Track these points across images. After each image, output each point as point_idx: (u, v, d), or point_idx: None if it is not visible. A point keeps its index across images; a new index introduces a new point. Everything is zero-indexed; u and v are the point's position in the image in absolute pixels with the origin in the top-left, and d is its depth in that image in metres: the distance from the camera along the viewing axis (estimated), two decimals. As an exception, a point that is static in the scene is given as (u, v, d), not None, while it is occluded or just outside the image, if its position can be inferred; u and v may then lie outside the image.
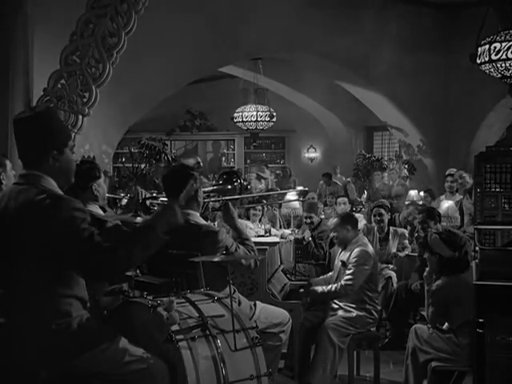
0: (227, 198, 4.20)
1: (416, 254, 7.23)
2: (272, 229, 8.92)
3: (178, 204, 2.92)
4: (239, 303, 3.95)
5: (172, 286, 3.17)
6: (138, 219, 3.51)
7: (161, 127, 16.09)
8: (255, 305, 4.18)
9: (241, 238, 4.09)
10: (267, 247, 5.31)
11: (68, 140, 2.97)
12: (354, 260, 5.47)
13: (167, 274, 3.42)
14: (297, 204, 9.05)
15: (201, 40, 10.08)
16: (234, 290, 4.01)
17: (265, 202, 8.66)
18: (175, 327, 2.94)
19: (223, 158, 18.36)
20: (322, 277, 6.04)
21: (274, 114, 14.04)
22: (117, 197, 4.77)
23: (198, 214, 3.90)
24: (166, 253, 3.51)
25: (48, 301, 2.76)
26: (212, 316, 3.07)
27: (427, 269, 4.84)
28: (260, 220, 8.74)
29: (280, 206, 9.76)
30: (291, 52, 11.92)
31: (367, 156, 14.49)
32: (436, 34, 12.17)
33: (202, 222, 3.90)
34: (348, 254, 5.56)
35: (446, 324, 4.81)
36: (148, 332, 3.00)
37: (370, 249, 5.65)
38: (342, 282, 5.43)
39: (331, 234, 5.81)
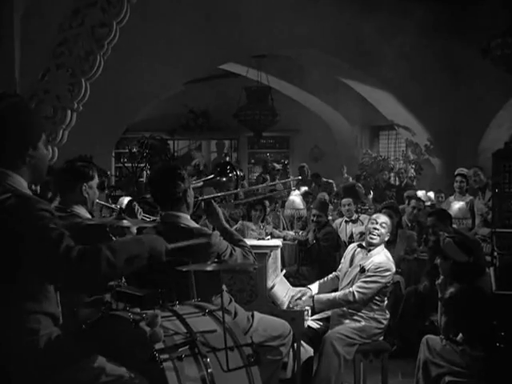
0: (222, 193, 3.86)
1: (426, 257, 6.87)
2: (275, 230, 8.66)
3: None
4: (235, 315, 3.60)
5: (157, 298, 2.82)
6: (125, 222, 3.16)
7: (163, 126, 15.98)
8: (253, 316, 3.82)
9: (232, 240, 3.71)
10: (268, 251, 4.95)
11: (42, 133, 2.65)
12: (375, 269, 5.08)
13: (155, 283, 3.09)
14: (301, 205, 8.78)
15: (201, 36, 9.87)
16: (231, 300, 3.67)
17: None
18: (159, 345, 2.58)
19: (227, 158, 18.05)
20: (320, 281, 5.64)
21: (278, 112, 13.76)
22: (108, 205, 4.40)
23: (189, 216, 3.55)
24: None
25: (13, 317, 2.44)
26: (202, 332, 2.72)
27: (441, 276, 4.48)
28: (262, 221, 8.45)
29: (283, 206, 9.48)
30: (295, 49, 11.70)
31: (373, 155, 14.28)
32: (445, 32, 11.87)
33: (193, 224, 3.54)
34: (370, 261, 5.17)
35: (461, 335, 4.45)
36: (129, 350, 2.65)
37: (391, 259, 5.27)
38: (355, 289, 5.06)
39: (374, 226, 5.20)
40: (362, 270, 5.14)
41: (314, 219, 7.81)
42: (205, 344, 2.68)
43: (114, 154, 14.90)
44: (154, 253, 2.61)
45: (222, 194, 4.07)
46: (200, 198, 3.69)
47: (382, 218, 5.27)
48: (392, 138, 16.18)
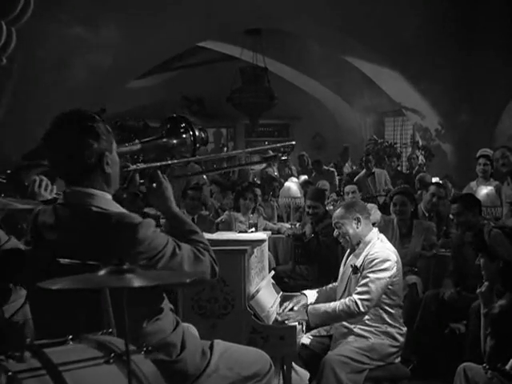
0: (172, 161, 2.62)
1: (447, 254, 5.76)
2: (267, 222, 7.65)
3: None
4: (181, 349, 2.31)
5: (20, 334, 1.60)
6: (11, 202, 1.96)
7: (155, 114, 15.20)
8: (212, 347, 2.51)
9: (182, 231, 2.45)
10: (247, 247, 3.76)
11: None
12: (370, 264, 3.97)
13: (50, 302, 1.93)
14: (298, 193, 7.71)
15: (188, 6, 9.09)
16: (177, 323, 2.39)
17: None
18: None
19: (225, 149, 17.42)
20: (328, 286, 4.47)
21: (276, 96, 13.27)
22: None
23: (110, 196, 2.29)
24: (54, 264, 2.02)
25: None
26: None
27: (485, 283, 3.28)
28: (253, 212, 7.37)
29: (278, 195, 8.57)
30: (294, 23, 11.00)
31: (379, 141, 13.58)
32: (458, 8, 11.05)
33: (114, 208, 2.26)
34: (361, 257, 4.04)
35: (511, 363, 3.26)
36: None
37: (391, 247, 4.16)
38: (356, 297, 3.89)
39: (335, 233, 4.25)
40: (355, 271, 4.06)
41: (310, 211, 6.59)
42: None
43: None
44: None
45: (193, 159, 2.85)
46: (133, 168, 2.43)
47: (334, 217, 4.23)
48: (398, 123, 15.50)
